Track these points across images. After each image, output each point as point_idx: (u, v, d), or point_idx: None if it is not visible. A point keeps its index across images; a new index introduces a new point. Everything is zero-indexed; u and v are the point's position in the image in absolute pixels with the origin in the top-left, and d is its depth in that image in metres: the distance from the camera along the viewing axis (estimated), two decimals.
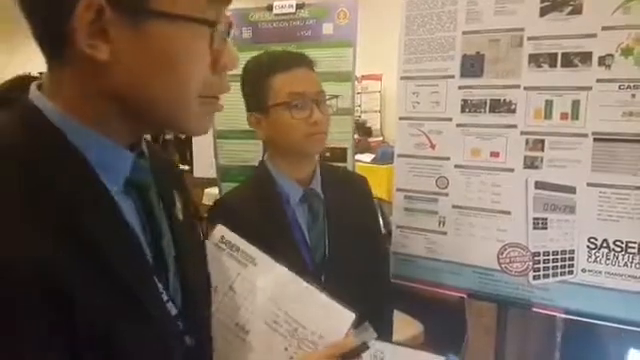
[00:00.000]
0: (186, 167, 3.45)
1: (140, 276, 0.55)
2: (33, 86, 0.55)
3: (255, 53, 1.17)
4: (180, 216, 0.66)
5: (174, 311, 0.60)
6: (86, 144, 0.53)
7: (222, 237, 0.81)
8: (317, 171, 1.16)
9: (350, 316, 0.75)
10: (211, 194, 3.07)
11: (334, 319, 0.75)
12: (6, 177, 0.49)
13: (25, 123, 0.53)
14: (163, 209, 0.63)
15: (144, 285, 0.56)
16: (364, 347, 0.74)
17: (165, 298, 0.59)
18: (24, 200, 0.48)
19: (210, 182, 2.84)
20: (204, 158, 2.69)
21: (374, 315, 0.80)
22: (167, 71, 0.52)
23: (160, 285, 0.59)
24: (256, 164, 1.83)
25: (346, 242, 1.13)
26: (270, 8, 1.72)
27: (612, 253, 1.23)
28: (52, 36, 0.51)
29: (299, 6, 1.69)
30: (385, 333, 1.21)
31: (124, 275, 0.52)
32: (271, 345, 0.75)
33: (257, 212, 1.08)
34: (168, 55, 0.51)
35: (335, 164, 1.44)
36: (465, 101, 1.36)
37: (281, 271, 0.79)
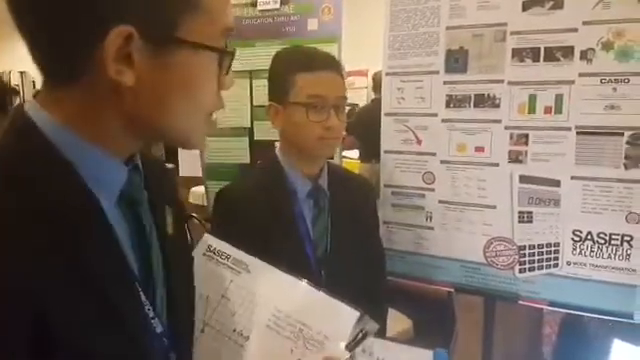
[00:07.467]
0: (171, 166, 3.42)
1: (126, 294, 0.55)
2: (32, 98, 0.56)
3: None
4: (170, 230, 0.66)
5: (160, 328, 0.60)
6: (81, 158, 0.52)
7: (209, 246, 0.80)
8: (325, 169, 1.18)
9: (354, 314, 0.74)
10: (197, 193, 3.05)
11: (338, 317, 0.75)
12: None
13: (19, 137, 0.52)
14: (154, 224, 0.63)
15: (129, 303, 0.55)
16: (365, 335, 0.74)
17: (151, 315, 0.59)
18: (11, 215, 0.47)
19: (196, 180, 2.82)
20: (190, 157, 2.67)
21: (371, 312, 0.80)
22: (187, 95, 0.54)
23: (147, 302, 0.58)
24: (242, 162, 1.81)
25: (347, 238, 1.15)
26: (254, 4, 1.71)
27: (596, 245, 1.25)
28: (73, 59, 0.50)
29: (283, 2, 1.68)
30: (379, 330, 1.23)
31: (110, 292, 0.52)
32: (275, 348, 0.75)
33: (264, 203, 1.10)
34: (189, 81, 0.54)
35: None
36: (450, 96, 1.37)
37: (278, 274, 0.78)
